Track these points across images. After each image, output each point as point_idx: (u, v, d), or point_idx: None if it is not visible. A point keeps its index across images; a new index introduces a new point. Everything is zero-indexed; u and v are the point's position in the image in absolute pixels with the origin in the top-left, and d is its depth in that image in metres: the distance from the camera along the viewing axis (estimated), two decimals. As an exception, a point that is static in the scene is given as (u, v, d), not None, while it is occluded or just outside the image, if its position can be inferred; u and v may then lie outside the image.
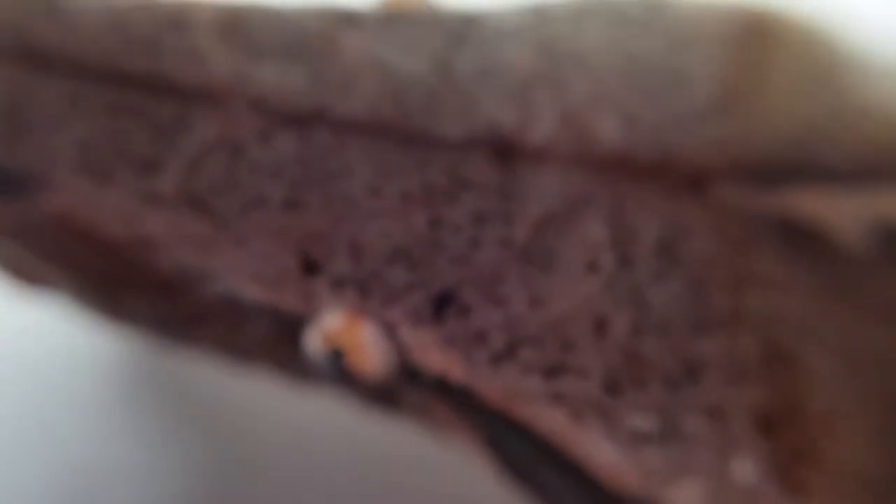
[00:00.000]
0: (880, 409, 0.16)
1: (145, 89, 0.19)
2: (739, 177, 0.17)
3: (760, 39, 0.18)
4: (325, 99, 0.19)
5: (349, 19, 0.20)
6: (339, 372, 0.19)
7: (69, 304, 0.22)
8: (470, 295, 0.18)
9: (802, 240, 0.17)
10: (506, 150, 0.18)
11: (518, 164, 0.18)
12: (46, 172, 0.19)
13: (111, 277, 0.20)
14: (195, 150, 0.19)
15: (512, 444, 0.19)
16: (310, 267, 0.19)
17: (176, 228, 0.19)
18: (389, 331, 0.18)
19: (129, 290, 0.20)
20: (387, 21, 0.20)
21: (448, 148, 0.19)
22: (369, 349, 0.18)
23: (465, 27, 0.20)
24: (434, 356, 0.18)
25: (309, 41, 0.20)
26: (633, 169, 0.18)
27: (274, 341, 0.20)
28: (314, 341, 0.19)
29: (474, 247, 0.18)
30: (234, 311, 0.20)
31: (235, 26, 0.20)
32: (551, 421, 0.18)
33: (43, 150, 0.19)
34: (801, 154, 0.17)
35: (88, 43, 0.20)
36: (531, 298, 0.18)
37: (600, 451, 0.17)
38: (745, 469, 0.17)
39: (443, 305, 0.18)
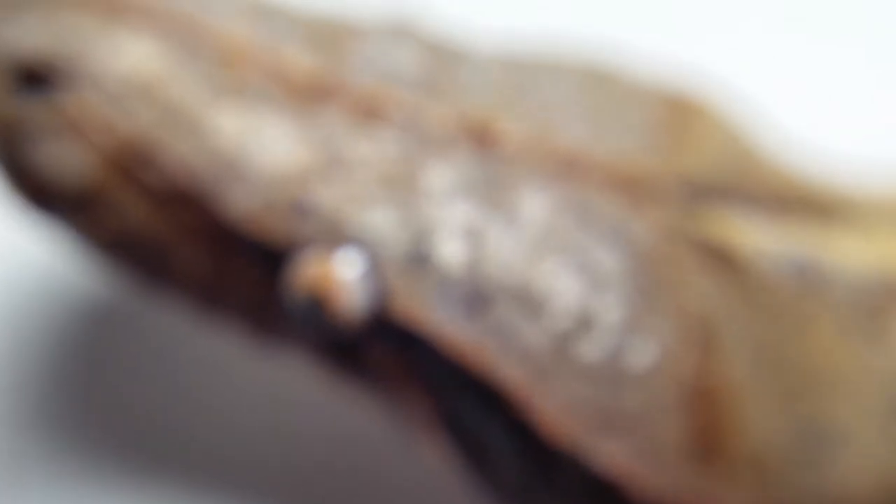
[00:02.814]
0: (776, 388, 0.21)
1: None
2: (677, 195, 0.21)
3: (687, 105, 0.23)
4: None
5: None
6: (313, 313, 0.20)
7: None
8: None
9: (722, 258, 0.21)
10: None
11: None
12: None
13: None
14: None
15: (463, 403, 0.20)
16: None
17: None
18: (372, 272, 0.20)
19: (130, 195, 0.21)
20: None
21: None
22: (349, 288, 0.20)
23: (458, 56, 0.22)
24: (411, 304, 0.20)
25: None
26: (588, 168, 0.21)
27: (254, 281, 0.21)
28: (294, 279, 0.20)
29: None
30: (226, 237, 0.21)
31: None
32: (509, 376, 0.20)
33: None
34: (727, 179, 0.22)
35: None
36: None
37: (548, 406, 0.20)
38: (669, 431, 0.20)
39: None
